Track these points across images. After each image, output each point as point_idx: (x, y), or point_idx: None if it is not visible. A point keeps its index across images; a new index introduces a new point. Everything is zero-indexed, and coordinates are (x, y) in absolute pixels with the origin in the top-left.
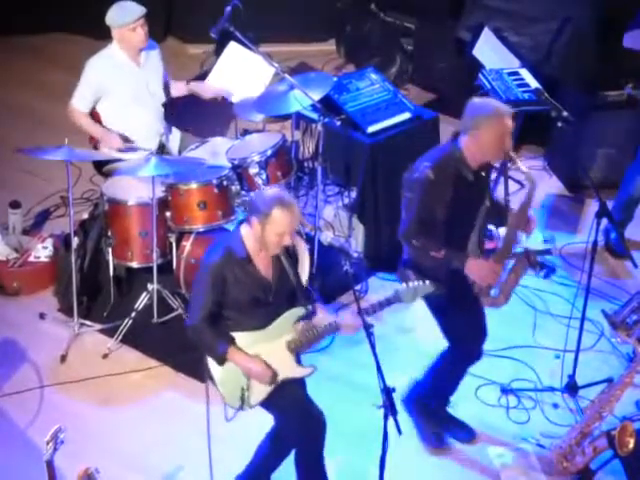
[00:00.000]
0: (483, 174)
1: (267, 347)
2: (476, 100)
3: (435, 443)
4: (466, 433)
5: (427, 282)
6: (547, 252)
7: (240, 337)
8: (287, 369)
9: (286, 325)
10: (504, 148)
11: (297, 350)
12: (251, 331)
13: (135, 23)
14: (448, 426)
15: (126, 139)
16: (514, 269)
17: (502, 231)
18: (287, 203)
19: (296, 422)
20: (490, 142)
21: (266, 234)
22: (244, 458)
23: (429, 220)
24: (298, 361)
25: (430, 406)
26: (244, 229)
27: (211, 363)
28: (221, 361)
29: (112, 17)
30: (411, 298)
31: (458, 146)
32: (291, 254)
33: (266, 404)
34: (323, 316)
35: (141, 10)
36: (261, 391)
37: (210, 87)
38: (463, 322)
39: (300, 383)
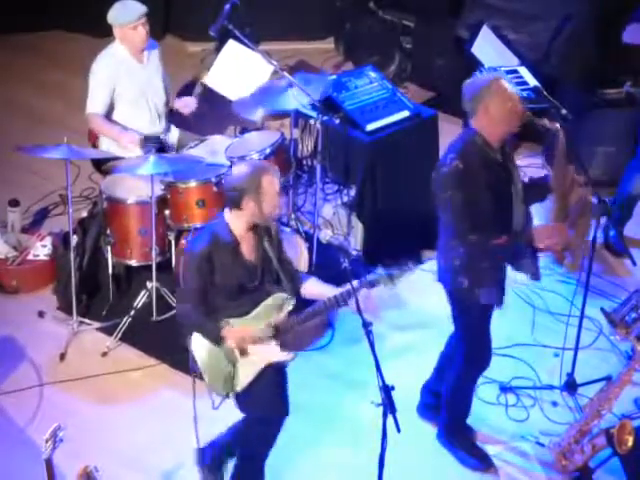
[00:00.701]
0: (507, 150)
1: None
2: (467, 81)
3: (481, 465)
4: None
5: (409, 265)
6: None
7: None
8: (270, 354)
9: (269, 310)
10: (517, 111)
11: (280, 335)
12: (236, 317)
13: (137, 22)
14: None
15: (145, 138)
16: (577, 220)
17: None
18: (266, 166)
19: (267, 428)
20: (501, 111)
21: (264, 206)
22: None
23: (476, 210)
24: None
25: (463, 429)
26: (227, 215)
27: (197, 352)
28: (219, 341)
29: (114, 15)
30: (391, 283)
31: (473, 131)
32: (273, 237)
33: (244, 400)
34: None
35: (143, 9)
36: (246, 377)
37: (189, 101)
38: (486, 327)
39: (280, 380)
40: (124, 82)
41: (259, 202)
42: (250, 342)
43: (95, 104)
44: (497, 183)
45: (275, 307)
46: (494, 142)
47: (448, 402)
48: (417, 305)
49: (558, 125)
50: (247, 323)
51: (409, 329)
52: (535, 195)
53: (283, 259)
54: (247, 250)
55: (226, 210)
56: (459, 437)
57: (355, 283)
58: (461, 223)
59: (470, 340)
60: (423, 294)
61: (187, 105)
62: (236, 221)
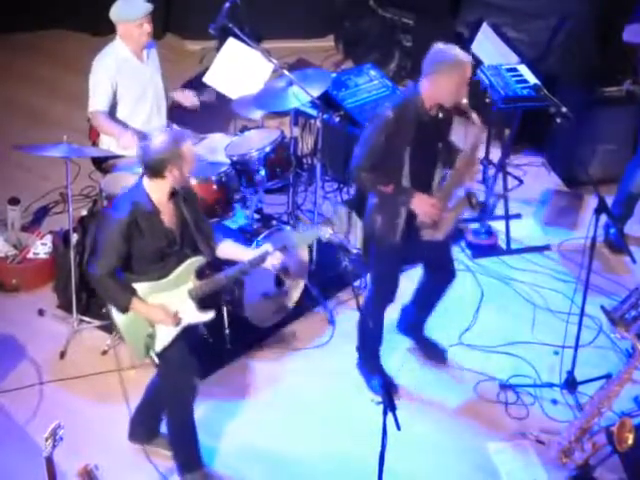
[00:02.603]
0: (441, 116)
1: (169, 295)
2: (440, 46)
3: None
4: (439, 354)
5: (320, 228)
6: (546, 248)
7: (142, 287)
8: (188, 315)
9: (187, 273)
10: (459, 96)
11: (199, 297)
12: (154, 281)
13: (142, 19)
14: (423, 348)
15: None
16: (455, 207)
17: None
18: (184, 133)
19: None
20: (446, 88)
21: (184, 171)
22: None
23: (383, 156)
24: (202, 306)
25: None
26: (147, 184)
27: (116, 314)
28: (124, 311)
29: (118, 13)
30: (303, 242)
31: (417, 89)
32: (188, 201)
33: (162, 356)
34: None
35: (148, 6)
36: (166, 337)
37: (189, 97)
38: (390, 270)
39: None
40: (126, 81)
41: (180, 168)
42: (152, 321)
43: (97, 102)
44: (423, 141)
45: (190, 272)
46: (429, 106)
47: (361, 330)
48: None
49: (478, 121)
50: (161, 287)
51: None
52: (445, 159)
53: (200, 220)
54: (167, 217)
55: (145, 179)
56: (371, 362)
57: (269, 247)
58: (363, 160)
59: (376, 277)
60: None
61: (187, 97)
62: (157, 189)
